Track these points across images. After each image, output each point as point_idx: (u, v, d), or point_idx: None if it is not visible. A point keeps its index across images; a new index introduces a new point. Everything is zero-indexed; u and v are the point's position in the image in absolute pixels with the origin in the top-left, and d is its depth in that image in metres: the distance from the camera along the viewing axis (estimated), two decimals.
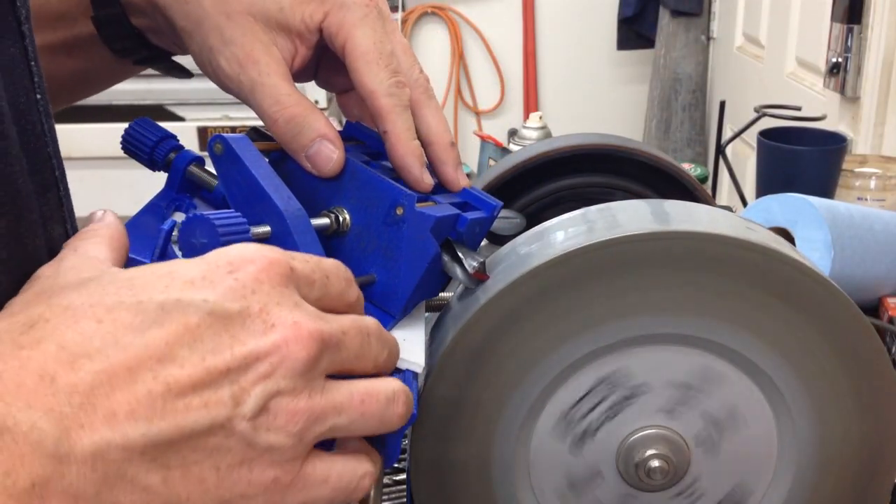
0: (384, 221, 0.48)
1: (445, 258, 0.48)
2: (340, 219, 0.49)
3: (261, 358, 0.33)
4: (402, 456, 0.52)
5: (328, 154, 0.48)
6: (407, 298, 0.48)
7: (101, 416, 0.30)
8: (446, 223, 0.48)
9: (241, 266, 0.35)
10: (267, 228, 0.44)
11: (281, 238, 0.43)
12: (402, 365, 0.46)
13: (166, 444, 0.31)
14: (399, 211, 0.47)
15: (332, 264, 0.39)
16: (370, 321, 0.39)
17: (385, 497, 0.73)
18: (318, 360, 0.35)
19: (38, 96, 0.42)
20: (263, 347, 0.33)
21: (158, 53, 0.57)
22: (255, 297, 0.34)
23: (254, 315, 0.34)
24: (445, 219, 0.48)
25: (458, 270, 0.48)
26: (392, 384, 0.38)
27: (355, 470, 0.37)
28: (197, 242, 0.39)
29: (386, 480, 0.75)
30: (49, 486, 0.29)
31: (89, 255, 0.38)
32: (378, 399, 0.37)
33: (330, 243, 0.49)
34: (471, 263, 0.48)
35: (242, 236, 0.40)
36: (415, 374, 0.46)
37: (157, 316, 0.32)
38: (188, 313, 0.33)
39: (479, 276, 0.48)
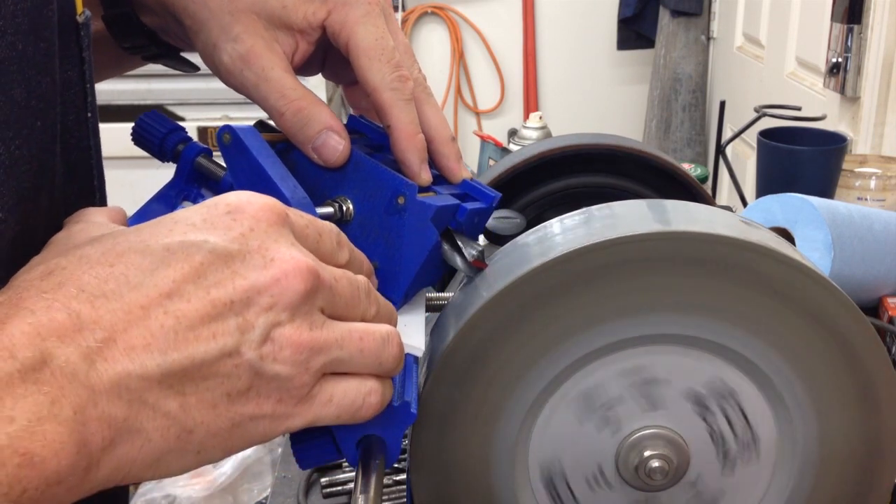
0: (386, 210, 0.49)
1: (445, 247, 0.50)
2: (344, 208, 0.50)
3: (262, 291, 0.36)
4: (402, 456, 0.52)
5: (334, 145, 0.50)
6: (407, 285, 0.49)
7: (122, 349, 0.33)
8: (446, 212, 0.49)
9: (239, 208, 0.37)
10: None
11: None
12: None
13: (181, 373, 0.34)
14: (401, 200, 0.48)
15: (325, 225, 0.41)
16: (360, 278, 0.41)
17: (385, 497, 0.73)
18: (315, 294, 0.37)
19: (89, 114, 0.46)
20: (263, 280, 0.36)
21: (167, 50, 0.58)
22: (253, 235, 0.36)
23: (253, 251, 0.36)
24: (445, 208, 0.49)
25: (458, 259, 0.49)
26: (385, 327, 0.40)
27: (359, 388, 0.39)
28: None
29: (386, 480, 0.75)
30: (86, 413, 0.31)
31: (94, 220, 0.42)
32: (374, 338, 0.39)
33: None
34: (470, 252, 0.49)
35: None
36: (415, 358, 0.47)
37: (164, 257, 0.35)
38: (192, 253, 0.35)
39: (478, 265, 0.49)
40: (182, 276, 0.35)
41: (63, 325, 0.32)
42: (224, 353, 0.35)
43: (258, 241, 0.36)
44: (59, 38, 0.42)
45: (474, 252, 0.49)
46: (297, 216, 0.39)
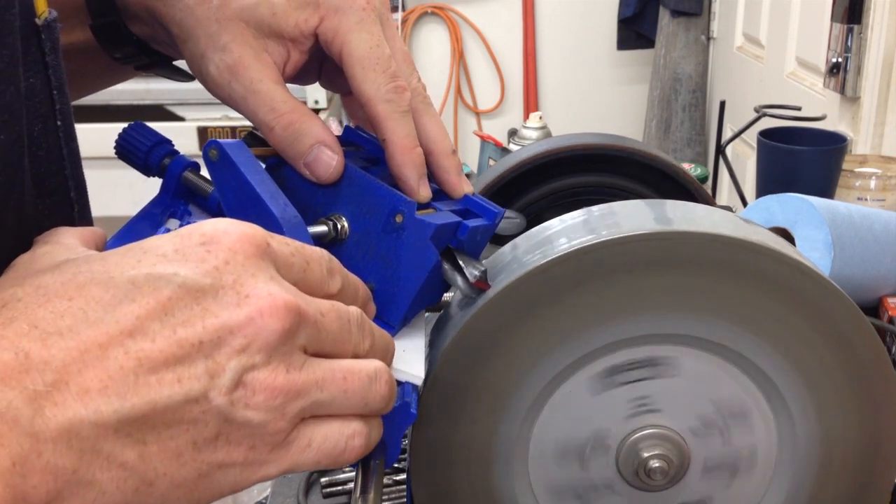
0: (383, 229, 0.47)
1: (446, 266, 0.48)
2: (339, 226, 0.48)
3: (234, 331, 0.33)
4: (402, 456, 0.52)
5: (327, 161, 0.47)
6: (406, 308, 0.47)
7: (74, 392, 0.30)
8: (447, 231, 0.47)
9: (214, 239, 0.34)
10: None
11: None
12: (400, 377, 0.46)
13: (141, 420, 0.31)
14: (398, 219, 0.46)
15: (315, 253, 0.38)
16: (353, 310, 0.38)
17: (385, 497, 0.73)
18: (295, 333, 0.34)
19: (59, 122, 0.43)
20: (236, 320, 0.33)
21: (159, 59, 0.56)
22: (228, 269, 0.33)
23: (227, 287, 0.33)
24: (446, 226, 0.47)
25: (459, 279, 0.47)
26: (373, 363, 0.38)
27: (342, 431, 0.36)
28: None
29: (386, 480, 0.75)
30: (28, 464, 0.28)
31: (63, 242, 0.38)
32: (360, 377, 0.36)
33: (329, 251, 0.49)
34: (472, 272, 0.47)
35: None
36: (414, 387, 0.46)
37: (128, 291, 0.32)
38: (159, 287, 0.32)
39: (480, 286, 0.47)
40: (147, 312, 0.32)
41: (7, 365, 0.29)
42: (190, 398, 0.32)
43: (233, 275, 0.33)
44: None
45: (476, 272, 0.47)
46: (282, 244, 0.36)
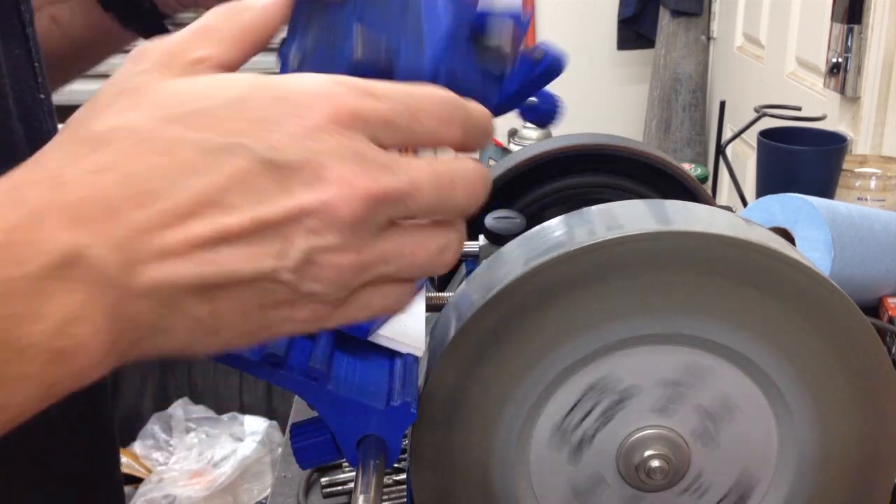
0: None
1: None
2: None
3: (309, 213, 0.33)
4: (402, 456, 0.52)
5: None
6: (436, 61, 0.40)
7: (158, 254, 0.31)
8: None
9: (302, 105, 0.33)
10: None
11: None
12: (402, 349, 0.47)
13: (214, 286, 0.33)
14: None
15: (426, 99, 0.35)
16: (461, 169, 0.36)
17: (385, 497, 0.73)
18: (372, 216, 0.34)
19: (42, 96, 0.42)
20: (313, 203, 0.33)
21: (159, 19, 0.57)
22: (314, 146, 0.33)
23: (309, 167, 0.33)
24: None
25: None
26: (448, 236, 0.37)
27: (398, 293, 0.37)
28: None
29: (386, 480, 0.75)
30: (117, 314, 0.31)
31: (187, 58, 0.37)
32: (429, 250, 0.36)
33: None
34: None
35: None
36: (415, 358, 0.46)
37: (215, 159, 0.32)
38: (245, 159, 0.32)
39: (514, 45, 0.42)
40: (230, 184, 0.32)
41: (102, 221, 0.31)
42: (260, 273, 0.33)
43: (318, 153, 0.33)
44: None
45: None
46: (383, 100, 0.34)
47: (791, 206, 0.94)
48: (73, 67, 0.64)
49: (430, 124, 0.35)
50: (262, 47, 0.39)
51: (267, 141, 0.33)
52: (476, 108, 0.37)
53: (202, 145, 0.32)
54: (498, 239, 0.68)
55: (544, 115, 0.49)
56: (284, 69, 0.42)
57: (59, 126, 0.44)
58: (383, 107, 0.34)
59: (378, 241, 0.35)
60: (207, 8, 0.46)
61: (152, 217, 0.31)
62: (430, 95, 0.35)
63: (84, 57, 0.64)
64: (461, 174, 0.36)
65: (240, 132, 0.33)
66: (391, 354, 0.49)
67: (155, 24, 0.58)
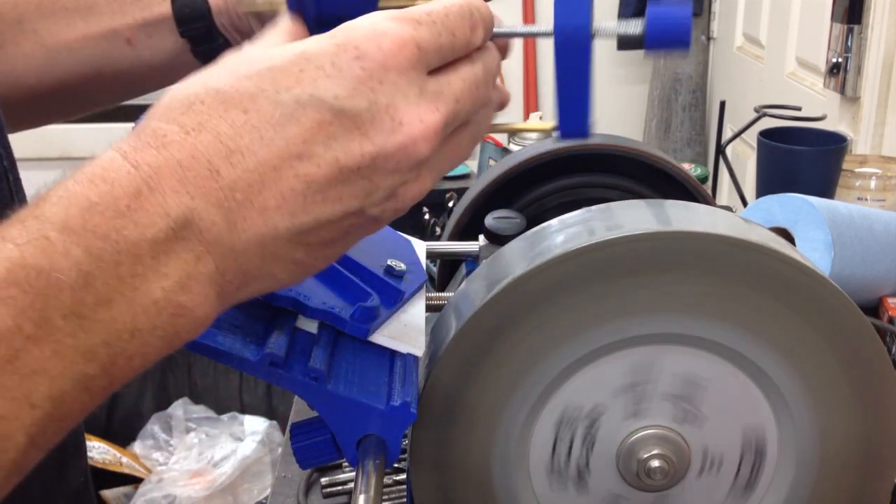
0: None
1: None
2: None
3: (388, 157, 0.36)
4: (402, 456, 0.52)
5: None
6: None
7: (257, 210, 0.35)
8: None
9: (369, 53, 0.36)
10: None
11: None
12: (401, 349, 0.48)
13: (308, 232, 0.36)
14: None
15: (454, 11, 0.39)
16: (482, 68, 0.40)
17: (385, 497, 0.73)
18: (441, 142, 0.38)
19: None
20: (391, 147, 0.36)
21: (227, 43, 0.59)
22: (382, 90, 0.36)
23: (381, 112, 0.36)
24: None
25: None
26: (483, 124, 0.42)
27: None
28: None
29: (386, 480, 0.75)
30: (226, 268, 0.35)
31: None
32: (476, 138, 0.41)
33: None
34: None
35: None
36: (415, 359, 0.46)
37: (294, 112, 0.35)
38: (321, 110, 0.35)
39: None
40: (311, 136, 0.35)
41: (206, 182, 0.34)
42: (349, 212, 0.37)
43: (387, 97, 0.36)
44: None
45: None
46: (429, 28, 0.37)
47: (791, 206, 0.94)
48: (134, 90, 0.66)
49: (464, 35, 0.39)
50: None
51: (336, 90, 0.35)
52: (480, 3, 0.40)
53: (278, 100, 0.35)
54: (498, 239, 0.68)
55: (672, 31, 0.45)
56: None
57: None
58: (431, 33, 0.37)
59: (446, 153, 0.39)
60: None
61: (245, 174, 0.34)
62: (453, 5, 0.39)
63: (149, 81, 0.66)
64: (491, 72, 0.41)
65: (310, 84, 0.35)
66: (391, 354, 0.49)
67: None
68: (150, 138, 0.34)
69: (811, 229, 0.91)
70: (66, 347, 0.31)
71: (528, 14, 3.08)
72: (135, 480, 2.05)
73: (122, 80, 0.64)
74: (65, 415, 0.32)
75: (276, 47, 0.37)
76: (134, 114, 0.39)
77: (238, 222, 0.34)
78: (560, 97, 0.44)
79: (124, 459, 2.05)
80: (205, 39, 0.61)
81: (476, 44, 0.40)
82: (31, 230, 0.31)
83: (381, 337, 0.49)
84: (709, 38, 2.70)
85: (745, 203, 1.24)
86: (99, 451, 2.02)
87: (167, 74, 0.64)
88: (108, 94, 0.66)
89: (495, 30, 0.42)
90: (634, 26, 0.44)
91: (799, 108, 1.23)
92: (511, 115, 3.25)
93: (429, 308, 0.56)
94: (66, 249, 0.31)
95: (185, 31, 0.61)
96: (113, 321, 0.32)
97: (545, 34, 0.44)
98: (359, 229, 0.39)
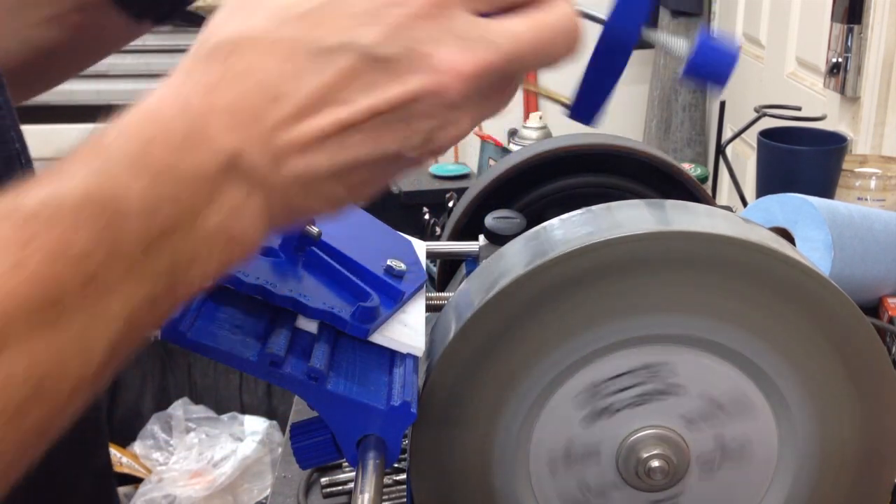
0: None
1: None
2: None
3: (421, 98, 0.36)
4: (402, 456, 0.52)
5: None
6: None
7: (296, 150, 0.36)
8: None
9: None
10: None
11: None
12: (401, 349, 0.48)
13: (348, 172, 0.37)
14: None
15: None
16: (558, 21, 0.39)
17: (385, 497, 0.73)
18: (478, 89, 0.37)
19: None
20: (423, 89, 0.36)
21: (175, 7, 0.59)
22: (416, 35, 0.36)
23: (414, 56, 0.36)
24: None
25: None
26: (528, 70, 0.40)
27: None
28: None
29: (386, 480, 0.75)
30: (271, 202, 0.37)
31: None
32: (516, 87, 0.41)
33: None
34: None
35: None
36: (416, 359, 0.46)
37: (328, 58, 0.36)
38: (352, 57, 0.36)
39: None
40: (345, 80, 0.36)
41: (251, 125, 0.35)
42: (386, 154, 0.37)
43: (421, 41, 0.36)
44: None
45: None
46: None
47: (791, 206, 0.94)
48: (70, 69, 0.65)
49: None
50: None
51: (370, 36, 0.36)
52: None
53: (313, 47, 0.36)
54: (498, 239, 0.68)
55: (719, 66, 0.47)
56: None
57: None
58: None
59: (484, 100, 0.39)
60: None
61: (286, 117, 0.36)
62: None
63: (88, 56, 0.65)
64: (560, 27, 0.39)
65: (345, 29, 0.36)
66: (391, 354, 0.49)
67: (164, 7, 0.59)
68: (201, 82, 0.36)
69: (811, 229, 0.91)
70: (135, 272, 0.33)
71: None
72: (135, 480, 2.05)
73: (83, 51, 0.64)
74: (135, 332, 0.35)
75: None
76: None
77: (281, 163, 0.36)
78: (585, 82, 0.44)
79: (124, 459, 2.05)
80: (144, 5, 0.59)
81: None
82: (94, 166, 0.34)
83: (381, 337, 0.49)
84: None
85: (745, 203, 1.24)
86: None
87: (112, 46, 0.64)
88: (73, 64, 0.66)
89: None
90: (680, 47, 0.44)
91: (799, 108, 1.23)
92: (511, 115, 3.24)
93: (429, 308, 0.56)
94: (130, 182, 0.33)
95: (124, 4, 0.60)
96: (175, 250, 0.34)
97: (597, 19, 0.43)
98: (397, 169, 0.40)
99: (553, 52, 0.39)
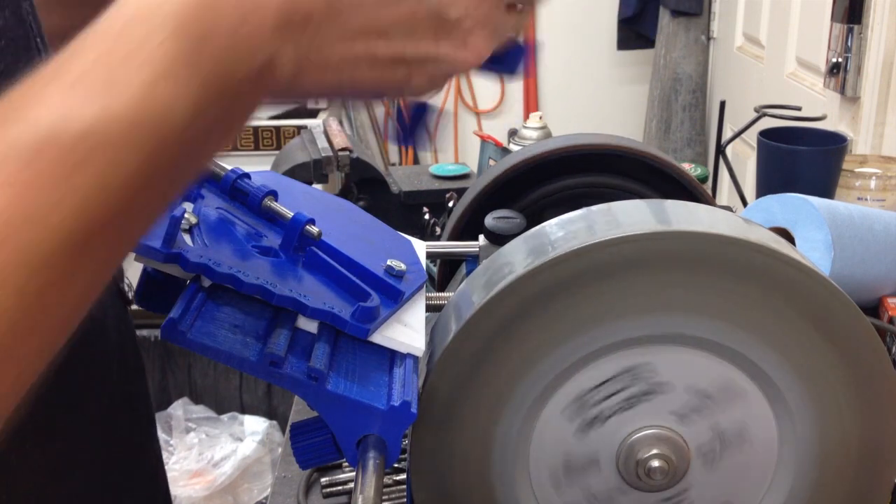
0: None
1: None
2: None
3: (438, 62, 0.41)
4: (402, 456, 0.52)
5: None
6: None
7: (318, 66, 0.39)
8: None
9: None
10: None
11: None
12: (401, 349, 0.48)
13: (344, 92, 0.42)
14: None
15: None
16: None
17: (385, 497, 0.73)
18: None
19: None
20: (446, 58, 0.41)
21: None
22: (474, 13, 0.41)
23: (461, 29, 0.41)
24: None
25: None
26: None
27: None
28: None
29: (386, 480, 0.75)
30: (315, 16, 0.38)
31: None
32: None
33: None
34: None
35: None
36: (416, 359, 0.46)
37: None
38: (420, 4, 0.40)
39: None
40: (396, 20, 0.39)
41: (298, 30, 0.37)
42: (381, 88, 0.42)
43: (471, 18, 0.41)
44: None
45: None
46: None
47: (791, 206, 0.94)
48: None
49: None
50: None
51: None
52: None
53: None
54: (498, 239, 0.68)
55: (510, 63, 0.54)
56: None
57: None
58: None
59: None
60: None
61: (333, 34, 0.38)
62: None
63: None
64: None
65: None
66: (391, 354, 0.49)
67: None
68: None
69: (811, 229, 0.91)
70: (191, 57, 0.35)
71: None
72: None
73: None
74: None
75: None
76: None
77: (299, 74, 0.38)
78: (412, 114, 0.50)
79: None
80: None
81: None
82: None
83: (381, 337, 0.49)
84: (709, 38, 2.70)
85: (745, 203, 1.24)
86: None
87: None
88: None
89: None
90: None
91: (799, 108, 1.23)
92: (511, 115, 3.25)
93: (429, 308, 0.56)
94: None
95: None
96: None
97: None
98: (408, 93, 0.44)
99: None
